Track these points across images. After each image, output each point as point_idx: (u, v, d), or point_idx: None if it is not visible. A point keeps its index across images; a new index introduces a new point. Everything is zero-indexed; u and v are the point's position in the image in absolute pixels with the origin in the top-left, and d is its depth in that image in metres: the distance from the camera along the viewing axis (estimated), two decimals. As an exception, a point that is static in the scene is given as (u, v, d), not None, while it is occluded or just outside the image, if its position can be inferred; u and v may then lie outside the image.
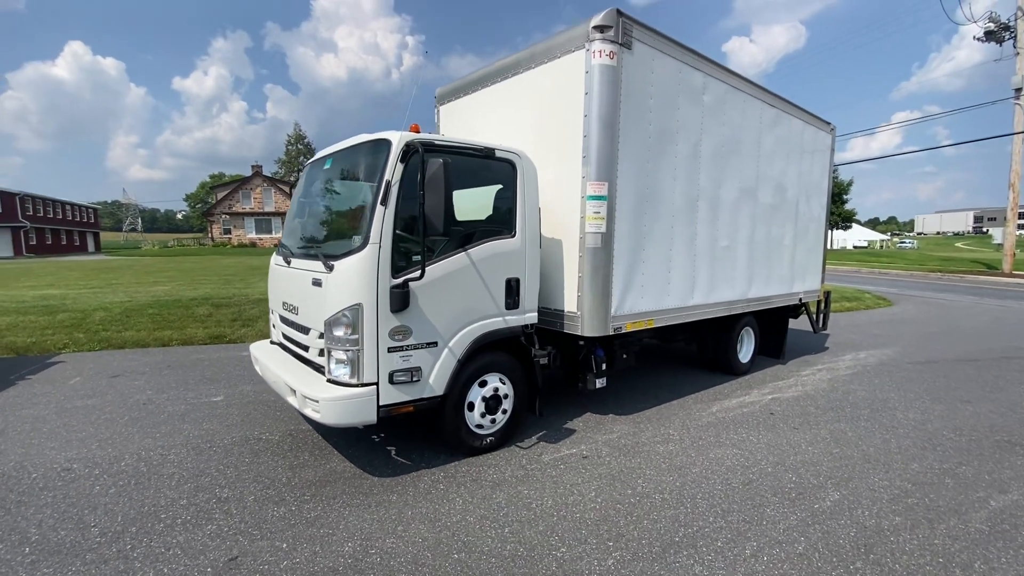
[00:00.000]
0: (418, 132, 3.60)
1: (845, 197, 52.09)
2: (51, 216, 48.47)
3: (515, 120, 5.14)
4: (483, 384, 4.09)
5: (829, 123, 7.87)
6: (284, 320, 4.27)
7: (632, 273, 4.75)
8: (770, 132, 6.46)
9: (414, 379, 3.61)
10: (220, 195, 54.29)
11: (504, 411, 4.23)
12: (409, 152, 3.43)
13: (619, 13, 4.28)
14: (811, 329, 8.44)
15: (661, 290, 5.12)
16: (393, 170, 3.43)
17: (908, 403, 5.86)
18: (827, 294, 8.64)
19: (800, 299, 7.58)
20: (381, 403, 3.49)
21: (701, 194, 5.46)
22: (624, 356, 5.38)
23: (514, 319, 4.15)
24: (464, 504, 3.39)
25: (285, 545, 2.93)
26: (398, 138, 3.48)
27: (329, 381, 3.52)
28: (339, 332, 3.42)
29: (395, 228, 3.44)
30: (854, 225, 59.38)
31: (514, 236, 4.11)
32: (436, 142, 3.65)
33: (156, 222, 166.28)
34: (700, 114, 5.31)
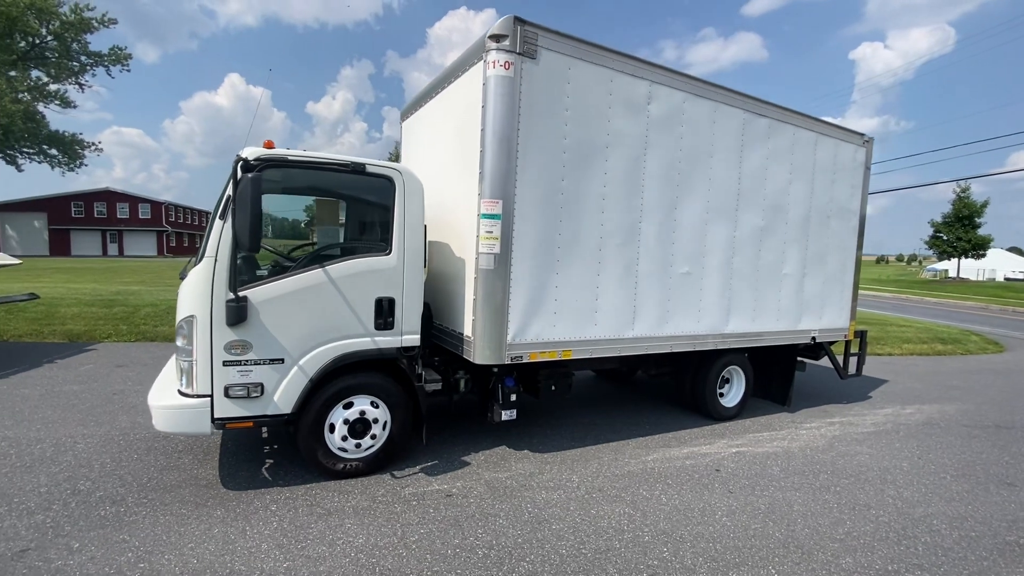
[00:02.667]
0: (271, 148, 3.60)
1: (978, 220, 44.53)
2: (190, 222, 56.41)
3: (441, 135, 5.01)
4: (348, 406, 3.95)
5: (861, 135, 6.71)
6: None
7: (539, 299, 4.35)
8: (759, 145, 5.64)
9: (253, 395, 3.57)
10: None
11: (374, 436, 4.04)
12: (248, 167, 3.43)
13: (518, 20, 4.00)
14: (854, 374, 7.18)
15: (583, 318, 4.63)
16: (235, 187, 3.46)
17: (916, 477, 4.72)
18: (861, 334, 7.31)
19: (813, 338, 6.47)
20: (216, 416, 3.50)
21: (646, 214, 4.89)
22: (553, 387, 4.95)
23: (387, 341, 3.97)
24: (272, 530, 3.27)
25: (76, 545, 3.01)
26: (245, 154, 3.51)
27: (178, 390, 3.60)
28: (179, 342, 3.50)
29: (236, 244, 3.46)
30: (990, 252, 50.56)
31: (389, 253, 3.95)
32: (289, 158, 3.62)
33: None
34: (643, 126, 4.77)
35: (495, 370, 4.62)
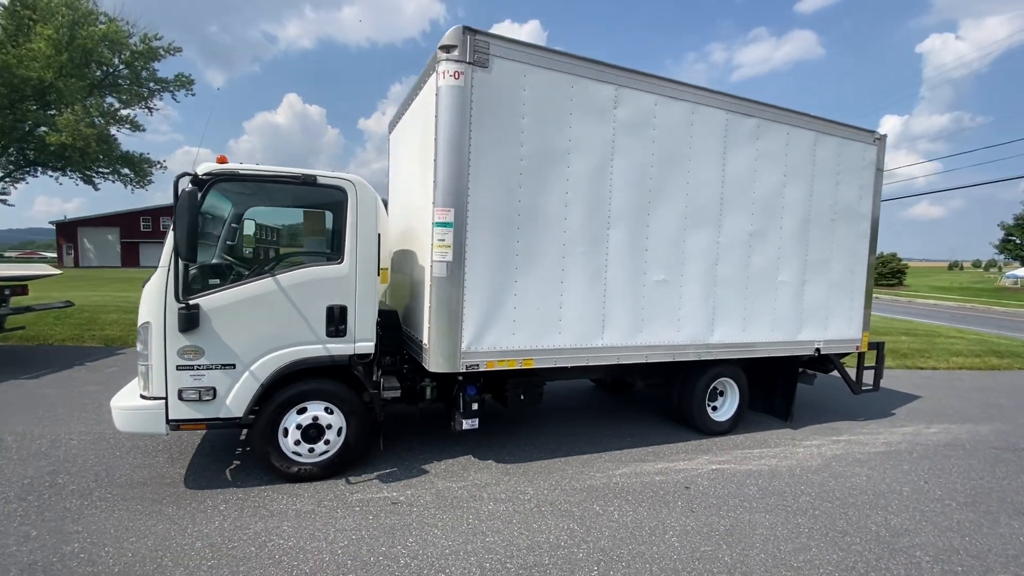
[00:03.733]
0: (224, 163, 3.78)
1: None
2: (247, 234, 59.66)
3: (410, 146, 5.11)
4: (302, 411, 4.06)
5: (872, 132, 6.27)
6: None
7: (496, 307, 4.32)
8: (746, 146, 5.38)
9: (205, 398, 3.73)
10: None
11: (327, 441, 4.12)
12: (198, 182, 3.61)
13: (467, 30, 4.02)
14: (870, 388, 6.68)
15: (546, 327, 4.55)
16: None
17: (914, 503, 4.32)
18: (878, 346, 6.79)
19: (817, 349, 6.07)
20: (170, 417, 3.69)
21: (615, 221, 4.76)
22: (522, 397, 4.89)
23: (339, 348, 4.06)
24: (211, 529, 3.38)
25: (34, 533, 3.24)
26: (201, 169, 3.69)
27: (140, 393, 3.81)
28: (139, 347, 3.71)
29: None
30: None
31: (341, 262, 4.04)
32: (240, 172, 3.78)
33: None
34: (610, 131, 4.66)
35: (459, 378, 4.62)
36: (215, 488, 3.96)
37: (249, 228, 4.40)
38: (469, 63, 4.04)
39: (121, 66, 36.00)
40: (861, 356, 6.59)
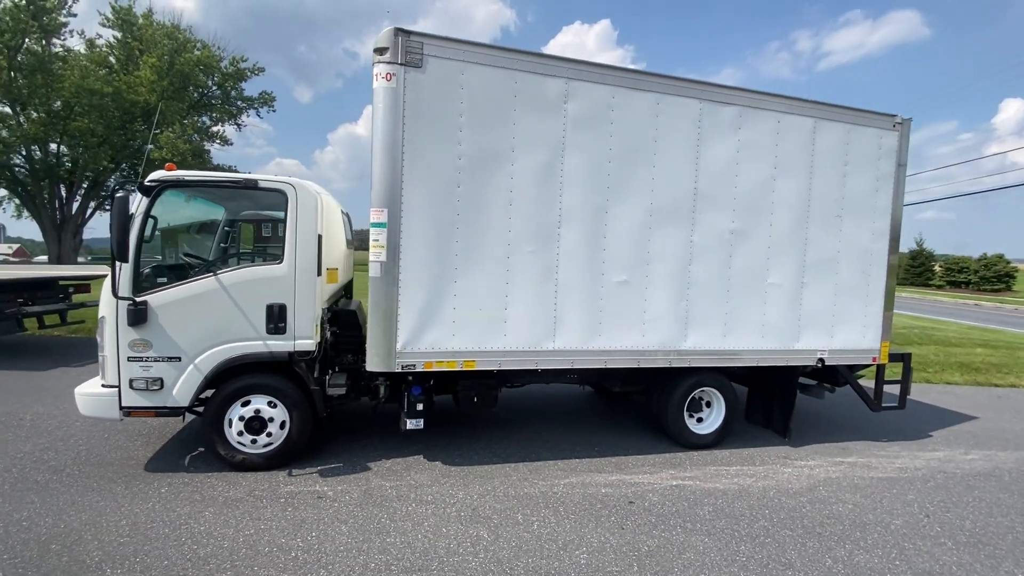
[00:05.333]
0: (172, 170, 4.06)
1: None
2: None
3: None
4: (246, 404, 4.26)
5: (890, 115, 5.54)
6: None
7: (434, 307, 4.30)
8: (726, 137, 4.96)
9: (153, 388, 4.03)
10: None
11: (270, 434, 4.30)
12: (144, 189, 3.91)
13: (399, 31, 4.05)
14: (895, 405, 5.93)
15: (489, 328, 4.46)
16: (136, 204, 3.97)
17: (900, 539, 3.76)
18: (905, 357, 5.99)
19: (821, 360, 5.45)
20: (123, 404, 4.02)
21: (567, 220, 4.57)
22: (475, 399, 4.84)
23: (279, 345, 4.22)
24: (143, 510, 3.63)
25: (9, 507, 3.65)
26: (151, 176, 4.00)
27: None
28: (98, 339, 4.08)
29: (136, 254, 3.95)
30: None
31: (281, 262, 4.20)
32: (185, 178, 4.06)
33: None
34: (559, 127, 4.49)
35: (409, 378, 4.65)
36: (168, 472, 4.26)
37: (201, 230, 4.71)
38: (401, 64, 4.07)
39: (214, 87, 39.80)
40: (880, 369, 5.84)
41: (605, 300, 4.74)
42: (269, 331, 4.20)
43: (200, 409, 4.33)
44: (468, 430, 5.53)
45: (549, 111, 4.47)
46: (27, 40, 24.06)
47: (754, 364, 5.28)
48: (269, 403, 4.30)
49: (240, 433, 4.25)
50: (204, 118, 40.44)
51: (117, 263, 3.80)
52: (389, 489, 4.14)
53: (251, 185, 4.16)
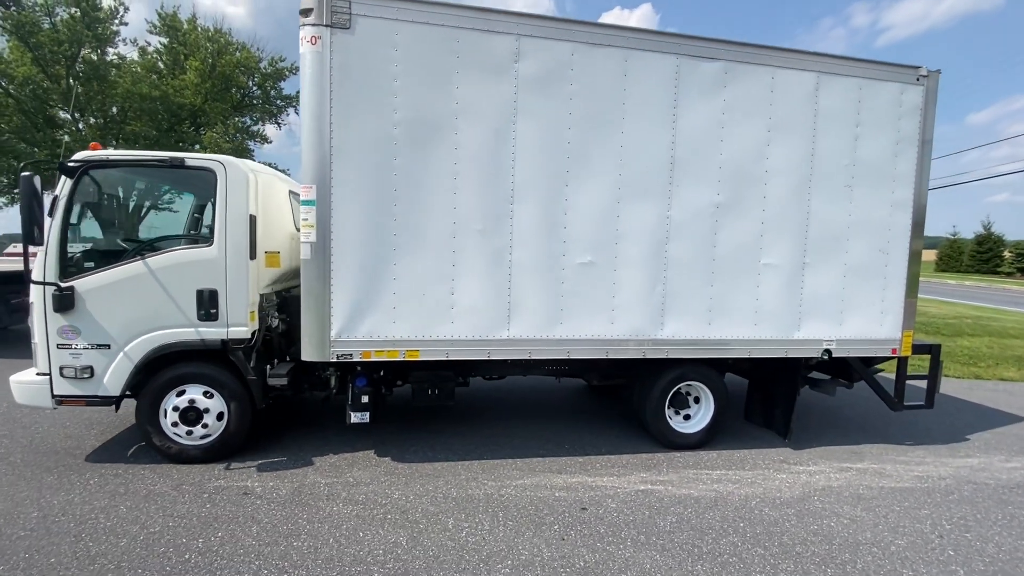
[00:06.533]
0: (97, 149, 3.89)
1: None
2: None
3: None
4: (182, 394, 4.08)
5: (913, 67, 4.75)
6: None
7: (372, 292, 3.97)
8: (709, 96, 4.35)
9: (83, 376, 3.90)
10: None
11: (206, 425, 4.10)
12: (67, 169, 3.76)
13: (324, -10, 3.71)
14: (921, 404, 5.17)
15: (435, 315, 4.09)
16: (61, 186, 3.82)
17: (893, 563, 3.16)
18: (934, 349, 5.19)
19: (828, 351, 4.77)
20: (55, 393, 3.91)
21: (520, 194, 4.13)
22: (429, 392, 4.50)
23: (211, 332, 4.00)
24: (59, 502, 3.49)
25: (-65, 494, 3.61)
26: (75, 156, 3.84)
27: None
28: (30, 325, 3.99)
29: (61, 238, 3.81)
30: None
31: (211, 245, 3.98)
32: (110, 158, 3.88)
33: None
34: (510, 90, 4.04)
35: (358, 368, 4.35)
36: (106, 463, 4.15)
37: (130, 211, 4.54)
38: (327, 26, 3.73)
39: (255, 88, 41.08)
40: (902, 362, 5.07)
41: (567, 284, 4.27)
42: (200, 318, 3.99)
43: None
44: (434, 424, 5.20)
45: (497, 73, 4.02)
46: (84, 50, 25.38)
47: (746, 356, 4.68)
48: (205, 393, 4.10)
49: (175, 424, 4.07)
50: (246, 118, 41.88)
51: (37, 247, 3.66)
52: (323, 487, 3.86)
53: (178, 163, 3.94)
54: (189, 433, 4.10)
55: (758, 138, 4.49)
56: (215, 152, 29.71)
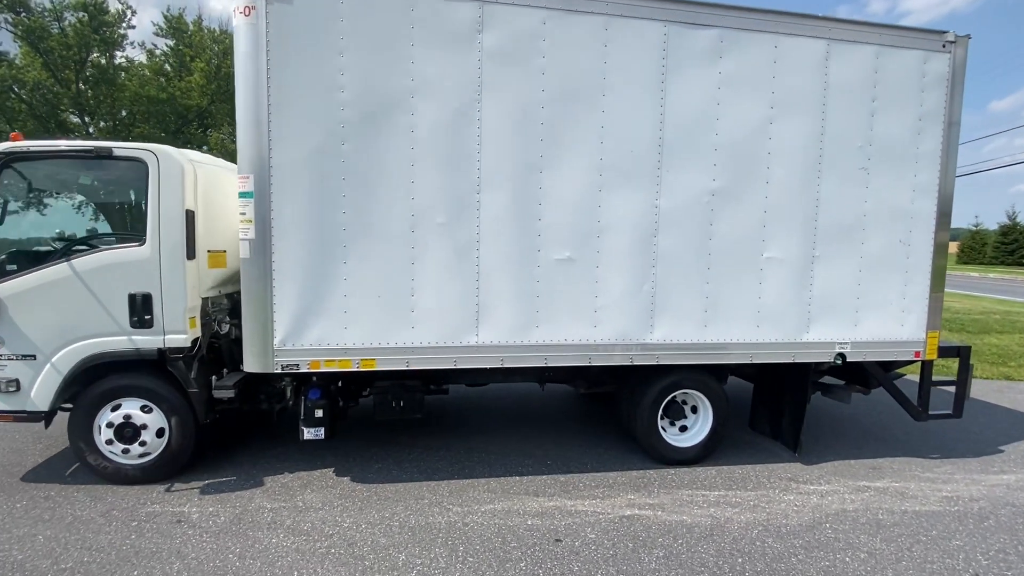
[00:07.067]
0: (17, 140, 3.52)
1: None
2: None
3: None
4: (117, 408, 3.71)
5: (939, 32, 4.18)
6: None
7: (320, 294, 3.55)
8: (701, 69, 3.84)
9: (10, 389, 3.54)
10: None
11: (143, 443, 3.72)
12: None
13: (257, -47, 3.28)
14: (948, 412, 4.60)
15: (393, 319, 3.66)
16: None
17: (916, 613, 2.65)
18: (963, 351, 4.62)
19: (841, 355, 4.24)
20: (-20, 407, 3.56)
21: (488, 181, 3.67)
22: (394, 404, 4.08)
23: (145, 340, 3.61)
24: (-30, 532, 3.15)
25: None
26: (1, 148, 3.48)
27: None
28: (-48, 335, 3.63)
29: (-24, 238, 3.46)
30: None
31: (143, 244, 3.59)
32: (31, 149, 3.50)
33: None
34: (474, 63, 3.57)
35: (314, 379, 3.95)
36: (42, 483, 3.79)
37: (57, 208, 4.16)
38: (263, -6, 3.30)
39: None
40: (926, 367, 4.52)
41: (543, 283, 3.81)
42: (134, 325, 3.60)
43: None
44: (407, 436, 4.78)
45: (458, 45, 3.55)
46: (92, 53, 25.35)
47: (747, 361, 4.17)
48: (143, 408, 3.72)
49: (109, 441, 3.69)
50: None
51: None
52: (267, 512, 3.46)
53: (104, 153, 3.54)
54: (126, 451, 3.72)
55: (760, 115, 3.97)
56: (220, 154, 29.73)
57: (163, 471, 3.81)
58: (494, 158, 3.66)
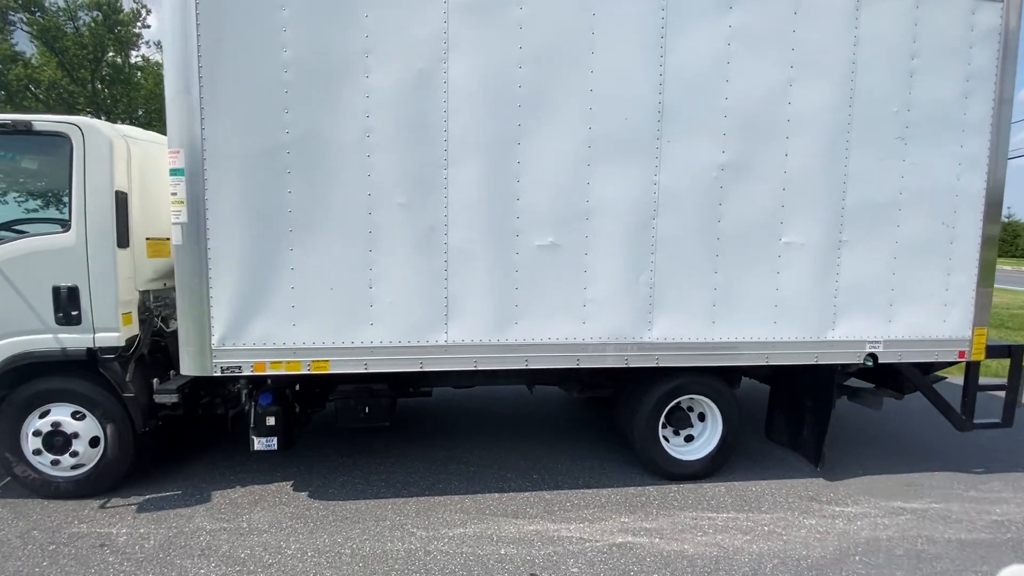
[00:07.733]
0: (-77, 114, 3.12)
1: None
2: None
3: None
4: (45, 415, 3.31)
5: (992, -25, 3.55)
6: None
7: (263, 287, 3.10)
8: (707, 21, 3.29)
9: (-74, 394, 3.17)
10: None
11: (75, 453, 3.31)
12: None
13: None
14: (996, 422, 4.00)
15: (348, 315, 3.19)
16: None
17: None
18: (1014, 351, 4.00)
19: (872, 356, 3.67)
20: None
21: (457, 155, 3.17)
22: (359, 410, 3.63)
23: (72, 339, 3.20)
24: None
25: None
26: None
27: None
28: None
29: None
30: None
31: (67, 231, 3.17)
32: (-63, 122, 3.10)
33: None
34: (438, 18, 3.07)
35: (269, 382, 3.51)
36: (-25, 496, 3.43)
37: None
38: (191, -60, 2.83)
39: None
40: (972, 368, 3.92)
41: (523, 273, 3.31)
42: (59, 321, 3.19)
43: None
44: (381, 443, 4.33)
45: (419, -4, 3.05)
46: (108, 53, 25.33)
47: (763, 363, 3.62)
48: (74, 414, 3.32)
49: (37, 452, 3.30)
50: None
51: None
52: (204, 536, 3.03)
53: (23, 128, 3.13)
54: (55, 463, 3.32)
55: (777, 76, 3.39)
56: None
57: (99, 485, 3.40)
58: (464, 128, 3.15)
